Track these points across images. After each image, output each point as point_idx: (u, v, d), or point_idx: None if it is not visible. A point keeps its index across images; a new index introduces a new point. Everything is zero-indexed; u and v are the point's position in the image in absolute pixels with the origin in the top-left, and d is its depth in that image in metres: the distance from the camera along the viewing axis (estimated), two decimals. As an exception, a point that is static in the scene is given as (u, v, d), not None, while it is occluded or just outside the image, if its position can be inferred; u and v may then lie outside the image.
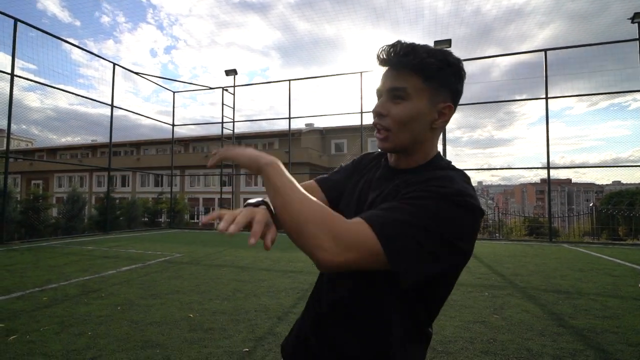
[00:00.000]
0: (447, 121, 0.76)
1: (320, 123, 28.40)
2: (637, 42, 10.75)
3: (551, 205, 11.53)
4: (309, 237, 0.58)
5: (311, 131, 27.07)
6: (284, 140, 26.10)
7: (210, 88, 15.69)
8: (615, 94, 11.08)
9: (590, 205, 15.01)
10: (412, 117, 0.73)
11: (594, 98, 11.45)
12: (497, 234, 17.11)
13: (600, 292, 4.40)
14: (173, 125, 15.74)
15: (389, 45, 0.74)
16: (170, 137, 16.22)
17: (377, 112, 0.76)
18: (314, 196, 0.75)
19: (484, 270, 5.74)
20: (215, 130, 24.12)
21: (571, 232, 15.07)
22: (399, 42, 0.73)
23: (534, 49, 11.65)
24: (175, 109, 15.82)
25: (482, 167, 24.50)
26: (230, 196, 20.08)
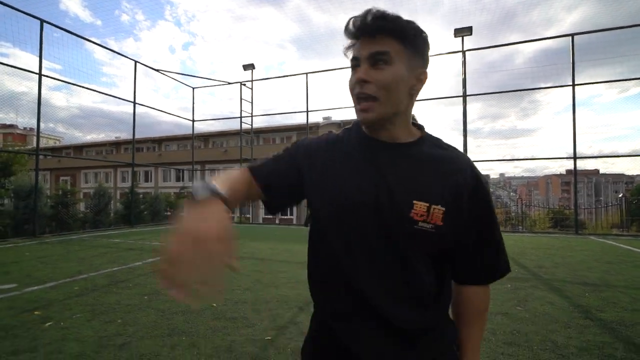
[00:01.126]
0: (421, 88, 0.78)
1: (338, 116, 28.26)
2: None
3: (577, 196, 11.11)
4: None
5: (329, 124, 26.99)
6: (302, 134, 26.15)
7: (229, 83, 15.84)
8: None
9: (620, 196, 14.39)
10: (396, 82, 0.72)
11: (625, 84, 10.85)
12: (520, 227, 16.69)
13: (629, 284, 4.24)
14: (193, 120, 16.03)
15: (361, 14, 0.72)
16: (191, 132, 16.54)
17: (360, 79, 0.72)
18: (250, 185, 0.82)
19: (506, 263, 5.62)
20: (233, 125, 24.47)
21: (598, 224, 14.51)
22: (371, 9, 0.72)
23: (561, 34, 11.16)
24: (194, 105, 16.10)
25: (504, 158, 23.86)
26: (248, 190, 20.36)
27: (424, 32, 0.75)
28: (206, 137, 32.27)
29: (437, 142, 0.81)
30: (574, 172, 10.80)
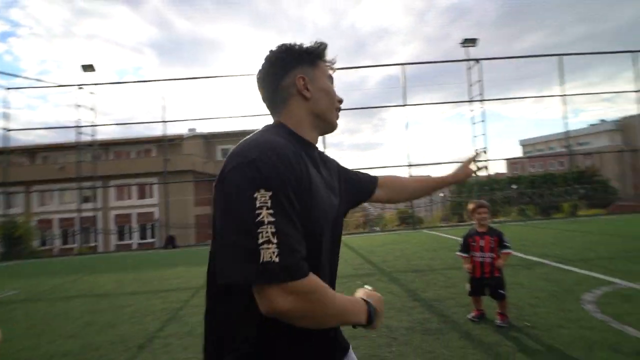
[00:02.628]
0: None
1: (204, 128, 26.89)
2: (466, 62, 13.41)
3: (414, 197, 13.43)
4: None
5: (194, 136, 25.35)
6: (162, 147, 23.76)
7: (61, 85, 13.17)
8: (458, 104, 13.59)
9: (442, 195, 18.08)
10: None
11: (444, 107, 13.94)
12: (376, 228, 19.04)
13: (446, 266, 5.23)
14: (8, 130, 12.63)
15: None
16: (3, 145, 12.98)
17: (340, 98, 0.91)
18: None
19: (359, 261, 6.23)
20: (74, 137, 20.40)
21: (431, 219, 17.83)
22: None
23: (394, 63, 13.36)
24: (13, 110, 12.71)
25: (361, 167, 27.09)
26: (95, 214, 17.17)
27: None
28: (33, 151, 25.94)
29: None
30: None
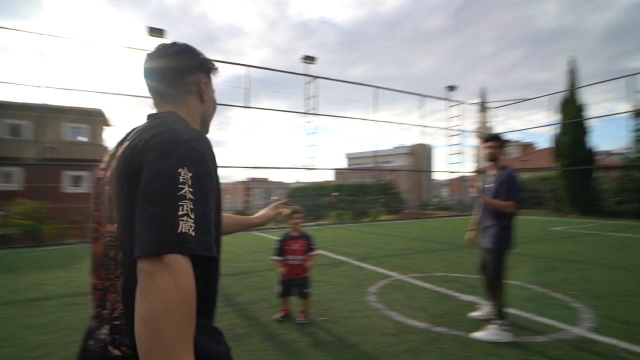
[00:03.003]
0: None
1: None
2: (304, 77, 14.57)
3: (252, 199, 13.51)
4: None
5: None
6: None
7: None
8: (299, 114, 14.57)
9: (275, 198, 19.05)
10: None
11: (289, 115, 14.65)
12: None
13: (266, 268, 5.38)
14: None
15: None
16: None
17: None
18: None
19: (178, 266, 5.72)
20: None
21: (264, 221, 18.55)
22: None
23: (241, 63, 13.24)
24: None
25: (198, 165, 25.69)
26: None
27: None
28: None
29: None
30: (249, 180, 13.05)
